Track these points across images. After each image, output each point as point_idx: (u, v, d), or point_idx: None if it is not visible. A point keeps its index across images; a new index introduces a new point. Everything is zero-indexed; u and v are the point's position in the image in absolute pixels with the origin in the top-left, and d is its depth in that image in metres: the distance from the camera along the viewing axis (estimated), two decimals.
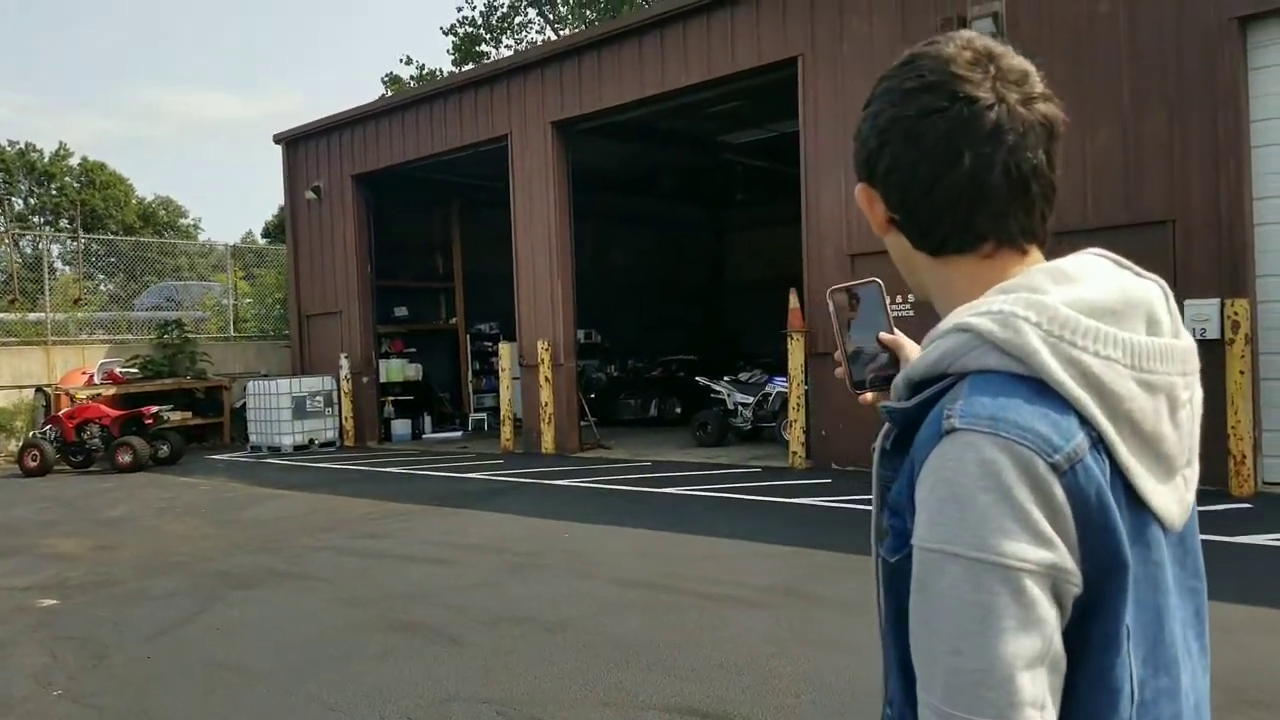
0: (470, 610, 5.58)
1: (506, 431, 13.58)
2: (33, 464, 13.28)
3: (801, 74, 10.31)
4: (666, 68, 11.64)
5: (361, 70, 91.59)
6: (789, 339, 10.21)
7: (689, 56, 11.42)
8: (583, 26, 26.97)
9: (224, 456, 15.02)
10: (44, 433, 13.80)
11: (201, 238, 49.69)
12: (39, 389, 15.36)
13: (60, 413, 14.02)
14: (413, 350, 17.49)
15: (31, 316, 16.61)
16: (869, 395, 1.19)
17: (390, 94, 27.90)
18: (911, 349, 1.14)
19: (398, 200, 16.92)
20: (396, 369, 16.69)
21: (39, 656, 5.08)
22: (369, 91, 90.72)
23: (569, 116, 12.88)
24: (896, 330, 1.15)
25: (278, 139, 17.20)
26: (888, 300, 1.18)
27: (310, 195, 16.47)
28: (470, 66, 27.47)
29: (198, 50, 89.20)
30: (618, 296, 18.47)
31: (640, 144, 15.22)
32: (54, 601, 6.22)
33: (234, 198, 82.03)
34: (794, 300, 10.20)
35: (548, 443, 12.99)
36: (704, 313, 22.61)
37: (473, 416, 17.65)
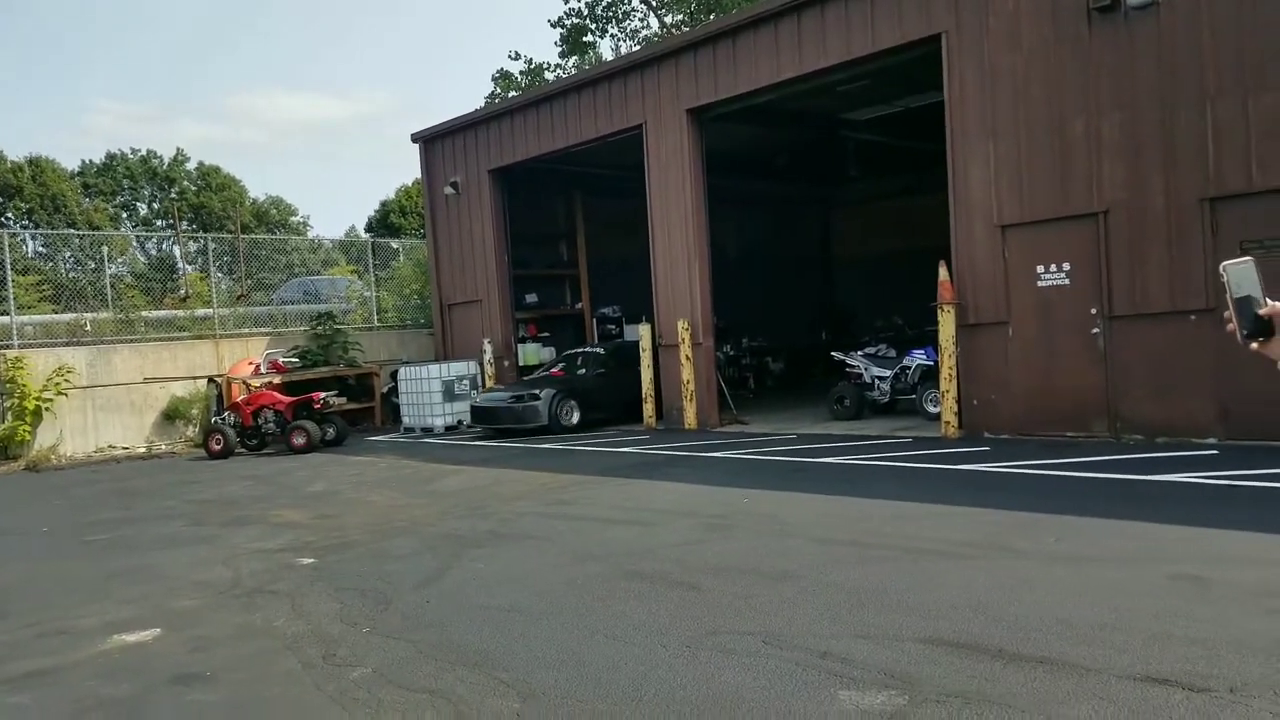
0: (691, 563, 6.12)
1: (649, 409, 14.18)
2: (217, 447, 14.57)
3: (946, 50, 10.46)
4: (804, 51, 11.93)
5: (450, 67, 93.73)
6: (939, 311, 10.42)
7: (827, 38, 11.67)
8: (685, 15, 27.27)
9: (382, 438, 16.13)
10: (224, 418, 15.10)
11: (309, 234, 52.14)
12: (211, 379, 16.78)
13: (239, 399, 15.32)
14: (545, 334, 18.33)
15: (199, 312, 18.06)
16: (1255, 345, 1.79)
17: (499, 90, 28.85)
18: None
19: (524, 192, 17.68)
20: (532, 352, 17.56)
21: (330, 603, 5.82)
22: (460, 87, 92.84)
23: (704, 103, 13.30)
24: (1268, 300, 1.76)
25: (415, 138, 18.15)
26: (1259, 274, 1.76)
27: (449, 190, 17.40)
28: (575, 60, 28.16)
29: (282, 53, 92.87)
30: (730, 277, 18.84)
31: (762, 126, 15.51)
32: (313, 560, 7.04)
33: (332, 195, 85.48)
34: (943, 272, 10.39)
35: (690, 419, 13.54)
36: (814, 289, 22.84)
37: None
